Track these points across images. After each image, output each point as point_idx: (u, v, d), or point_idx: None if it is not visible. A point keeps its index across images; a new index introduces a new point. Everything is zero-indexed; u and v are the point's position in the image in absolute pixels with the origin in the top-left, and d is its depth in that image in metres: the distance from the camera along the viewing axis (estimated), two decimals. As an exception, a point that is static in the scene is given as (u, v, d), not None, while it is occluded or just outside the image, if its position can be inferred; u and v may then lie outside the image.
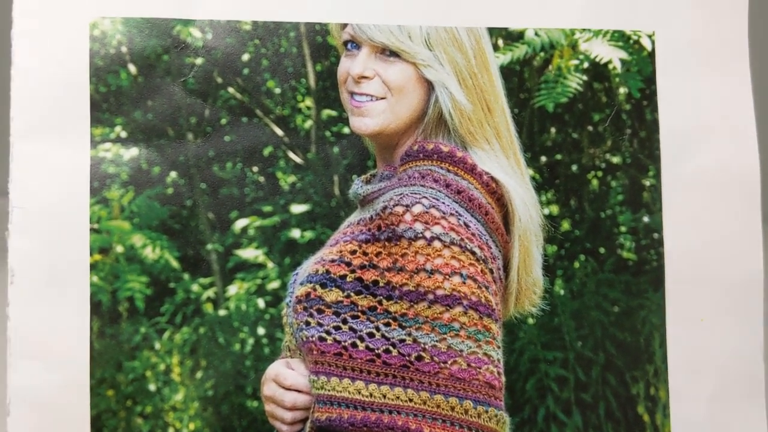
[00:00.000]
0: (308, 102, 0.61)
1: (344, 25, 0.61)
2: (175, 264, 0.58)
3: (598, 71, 0.63)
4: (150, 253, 0.58)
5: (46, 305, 0.57)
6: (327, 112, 0.61)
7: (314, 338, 0.56)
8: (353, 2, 0.62)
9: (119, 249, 0.58)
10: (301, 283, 0.58)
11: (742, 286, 0.61)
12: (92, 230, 0.58)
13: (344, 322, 0.56)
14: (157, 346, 0.57)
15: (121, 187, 0.59)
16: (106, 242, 0.58)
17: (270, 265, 0.59)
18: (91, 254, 0.58)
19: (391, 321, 0.56)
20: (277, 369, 0.58)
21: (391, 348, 0.56)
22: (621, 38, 0.63)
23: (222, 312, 0.58)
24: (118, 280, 0.58)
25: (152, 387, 0.56)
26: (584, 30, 0.63)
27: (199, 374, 0.57)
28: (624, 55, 0.63)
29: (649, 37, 0.63)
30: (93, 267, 0.58)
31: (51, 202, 0.58)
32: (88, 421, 0.56)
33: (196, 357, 0.57)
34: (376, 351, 0.56)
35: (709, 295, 0.61)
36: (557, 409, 0.58)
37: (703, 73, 0.63)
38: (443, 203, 0.57)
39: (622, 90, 0.63)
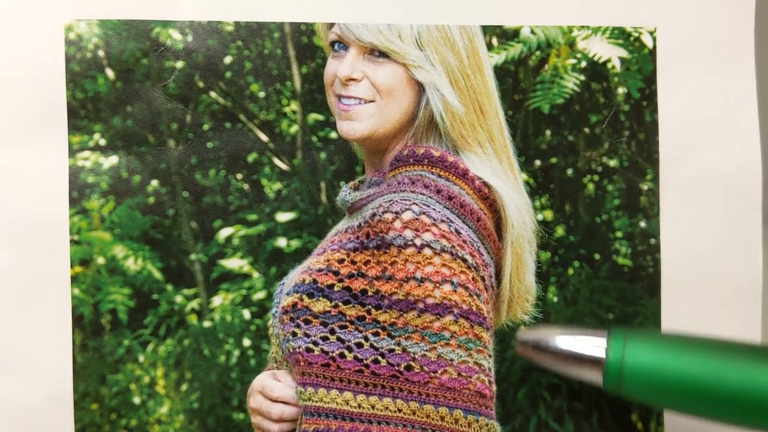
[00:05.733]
0: (294, 106, 0.59)
1: (331, 25, 0.58)
2: (157, 275, 0.57)
3: (596, 70, 0.60)
4: (132, 264, 0.57)
5: (27, 319, 0.56)
6: (313, 116, 0.59)
7: (301, 349, 0.55)
8: (340, 1, 0.59)
9: (100, 260, 0.57)
10: (288, 294, 0.56)
11: (739, 293, 0.59)
12: (72, 242, 0.57)
13: (332, 332, 0.55)
14: (141, 358, 0.56)
15: (101, 197, 0.57)
16: (87, 254, 0.57)
17: (255, 275, 0.57)
18: (71, 266, 0.57)
19: (380, 331, 0.55)
20: (264, 380, 0.57)
21: (379, 358, 0.55)
22: (621, 35, 0.60)
23: (207, 323, 0.57)
24: (100, 292, 0.57)
25: (137, 400, 0.56)
26: (582, 27, 0.60)
27: (184, 387, 0.56)
28: (624, 53, 0.60)
29: (651, 33, 0.60)
30: (74, 279, 0.57)
31: (29, 213, 0.57)
32: (72, 436, 0.56)
33: (180, 369, 0.56)
34: (365, 361, 0.55)
35: (705, 302, 0.59)
36: (549, 418, 0.57)
37: (706, 72, 0.60)
38: (434, 209, 0.55)
39: (621, 90, 0.60)
